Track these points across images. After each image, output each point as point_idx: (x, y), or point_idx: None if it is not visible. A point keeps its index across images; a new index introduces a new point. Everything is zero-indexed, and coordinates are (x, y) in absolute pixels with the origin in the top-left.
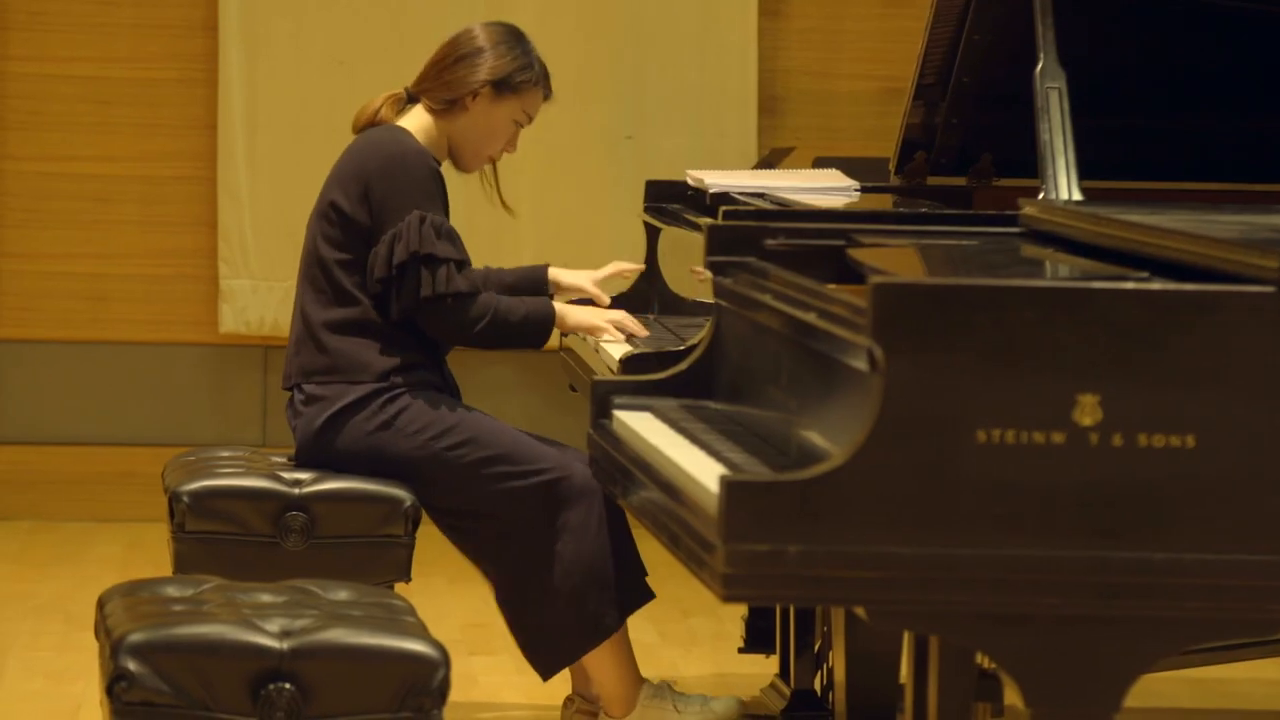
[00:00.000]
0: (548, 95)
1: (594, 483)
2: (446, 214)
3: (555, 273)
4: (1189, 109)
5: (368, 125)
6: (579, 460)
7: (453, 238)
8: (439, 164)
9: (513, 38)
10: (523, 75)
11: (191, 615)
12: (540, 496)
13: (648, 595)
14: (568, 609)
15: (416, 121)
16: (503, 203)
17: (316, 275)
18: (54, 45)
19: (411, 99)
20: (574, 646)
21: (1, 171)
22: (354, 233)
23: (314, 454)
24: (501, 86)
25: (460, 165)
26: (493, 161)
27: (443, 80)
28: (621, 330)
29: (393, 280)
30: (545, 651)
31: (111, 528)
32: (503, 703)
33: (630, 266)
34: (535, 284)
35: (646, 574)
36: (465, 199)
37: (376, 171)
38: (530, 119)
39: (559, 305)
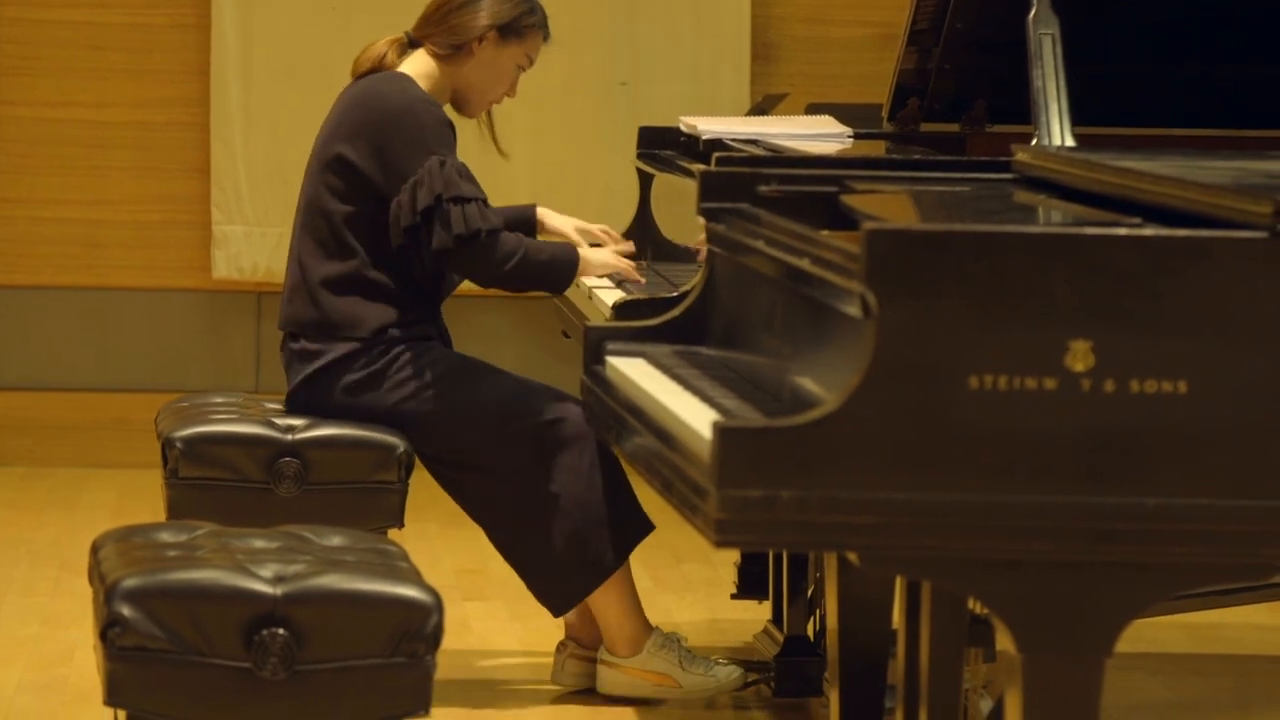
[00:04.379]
0: (547, 37)
1: (587, 424)
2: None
3: (543, 213)
4: (1183, 54)
5: (370, 70)
6: (572, 402)
7: (474, 180)
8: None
9: None
10: (527, 19)
11: (185, 561)
12: (535, 441)
13: (647, 527)
14: (569, 549)
15: (419, 67)
16: (497, 147)
17: (319, 226)
18: None
19: (413, 43)
20: (580, 585)
21: None
22: (362, 186)
23: (304, 407)
24: (507, 31)
25: (465, 110)
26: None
27: (447, 25)
28: (617, 273)
29: (419, 228)
30: (553, 590)
31: (105, 474)
32: (496, 648)
33: (622, 245)
34: (525, 224)
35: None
36: (460, 145)
37: (388, 125)
38: (531, 62)
39: (583, 250)
